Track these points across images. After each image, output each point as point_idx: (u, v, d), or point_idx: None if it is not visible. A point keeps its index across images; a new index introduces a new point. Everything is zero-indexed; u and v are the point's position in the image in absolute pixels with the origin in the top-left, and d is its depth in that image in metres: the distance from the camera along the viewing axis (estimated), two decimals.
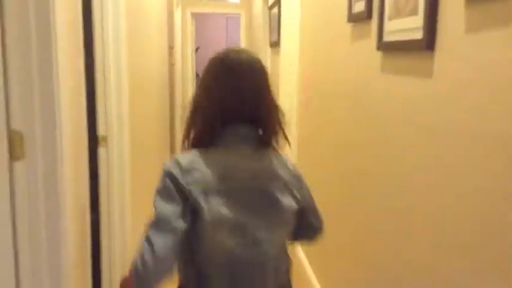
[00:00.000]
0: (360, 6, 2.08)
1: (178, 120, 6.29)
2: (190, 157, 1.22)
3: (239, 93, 1.25)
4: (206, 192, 1.16)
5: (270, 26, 5.25)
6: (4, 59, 1.25)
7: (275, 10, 4.74)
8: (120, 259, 2.51)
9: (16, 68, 1.26)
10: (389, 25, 1.75)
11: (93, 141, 2.32)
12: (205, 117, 1.26)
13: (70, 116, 1.43)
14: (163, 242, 1.10)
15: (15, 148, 1.28)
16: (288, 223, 1.27)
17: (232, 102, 1.25)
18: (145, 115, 3.43)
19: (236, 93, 1.25)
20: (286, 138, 1.33)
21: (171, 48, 5.59)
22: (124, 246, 2.54)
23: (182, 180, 1.16)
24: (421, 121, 1.52)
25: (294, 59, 3.94)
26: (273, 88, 1.32)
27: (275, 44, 4.74)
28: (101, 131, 2.37)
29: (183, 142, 1.30)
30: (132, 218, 2.65)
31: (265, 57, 5.69)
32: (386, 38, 1.78)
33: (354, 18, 2.19)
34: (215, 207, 1.16)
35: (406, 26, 1.59)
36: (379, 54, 1.89)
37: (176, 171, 1.18)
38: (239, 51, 1.32)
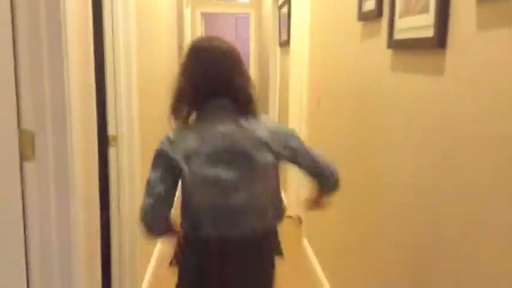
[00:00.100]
0: (370, 5, 2.07)
1: None
2: (177, 132, 1.51)
3: (210, 74, 1.50)
4: (187, 157, 1.45)
5: (279, 25, 5.24)
6: (15, 60, 1.25)
7: (285, 9, 4.73)
8: (129, 257, 2.52)
9: (27, 69, 1.27)
10: (399, 23, 1.73)
11: (104, 141, 2.33)
12: (187, 96, 1.52)
13: (80, 116, 1.43)
14: (148, 203, 1.46)
15: (26, 148, 1.29)
16: (266, 173, 1.52)
17: (205, 81, 1.50)
18: (154, 115, 3.45)
19: (207, 74, 1.50)
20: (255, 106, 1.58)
21: (180, 48, 5.60)
22: (134, 245, 2.55)
23: (169, 151, 1.47)
24: (432, 119, 1.51)
25: (303, 58, 3.93)
26: (244, 68, 1.56)
27: (285, 44, 4.73)
28: (111, 131, 2.38)
29: (169, 118, 1.55)
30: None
31: (275, 56, 5.69)
32: (397, 36, 1.76)
33: (364, 17, 2.18)
34: (194, 167, 1.45)
35: (417, 24, 1.58)
36: (389, 52, 1.87)
37: (165, 146, 1.49)
38: (210, 39, 1.58)
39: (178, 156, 1.46)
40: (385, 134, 1.93)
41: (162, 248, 3.58)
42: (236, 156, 1.47)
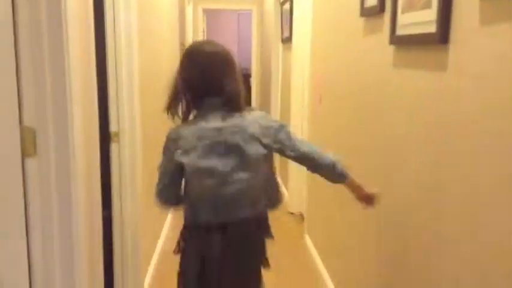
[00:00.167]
0: (372, 0, 2.06)
1: None
2: (177, 129, 1.71)
3: (205, 76, 1.68)
4: (186, 151, 1.65)
5: (281, 21, 5.23)
6: (16, 56, 1.25)
7: (287, 6, 4.71)
8: (132, 254, 2.52)
9: (28, 65, 1.27)
10: (402, 19, 1.73)
11: (105, 137, 2.33)
12: (181, 95, 1.71)
13: (82, 112, 1.43)
14: (157, 189, 1.77)
15: (28, 145, 1.28)
16: (256, 163, 1.68)
17: (201, 82, 1.68)
18: (156, 111, 3.44)
19: (202, 76, 1.68)
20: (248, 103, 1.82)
21: (182, 45, 5.59)
22: (136, 242, 2.55)
23: (171, 147, 1.69)
24: (435, 115, 1.50)
25: (305, 55, 3.92)
26: (236, 69, 1.72)
27: (287, 40, 4.72)
28: (112, 127, 2.38)
29: (166, 113, 1.74)
30: (144, 213, 2.66)
31: (277, 53, 5.68)
32: (399, 31, 1.75)
33: (367, 13, 2.17)
34: (192, 160, 1.64)
35: (420, 20, 1.57)
36: (391, 48, 1.86)
37: (168, 143, 1.71)
38: (203, 43, 1.80)
39: (179, 152, 1.66)
40: (388, 130, 1.92)
41: (164, 246, 3.59)
42: (229, 149, 1.65)
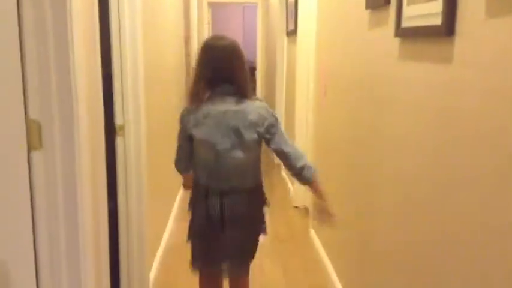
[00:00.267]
0: None
1: None
2: (189, 108, 2.04)
3: (216, 66, 1.99)
4: (195, 125, 1.99)
5: (286, 14, 5.21)
6: (21, 49, 1.25)
7: None
8: (137, 247, 2.54)
9: (33, 58, 1.27)
10: (407, 11, 1.71)
11: (111, 130, 2.34)
12: (199, 82, 2.02)
13: (87, 105, 1.43)
14: (176, 158, 2.16)
15: (33, 138, 1.29)
16: (250, 146, 1.99)
17: (214, 73, 2.00)
18: (161, 104, 3.45)
19: (216, 67, 1.99)
20: (254, 92, 2.16)
21: (187, 38, 5.59)
22: (141, 235, 2.56)
23: (184, 120, 2.05)
24: (441, 107, 1.49)
25: (310, 47, 3.91)
26: (244, 60, 2.03)
27: (292, 33, 4.71)
28: (118, 120, 2.39)
29: (188, 97, 2.06)
30: (149, 206, 2.67)
31: (282, 46, 5.66)
32: (405, 24, 1.74)
33: (372, 5, 2.16)
34: (199, 133, 1.99)
35: (425, 12, 1.56)
36: (397, 40, 1.85)
37: (182, 117, 2.07)
38: (218, 38, 2.07)
39: (190, 125, 2.01)
40: (393, 122, 1.92)
41: (169, 239, 3.61)
42: (230, 130, 1.96)
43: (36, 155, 1.30)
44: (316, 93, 3.68)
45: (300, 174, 2.00)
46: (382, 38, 2.03)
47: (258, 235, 2.16)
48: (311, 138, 3.94)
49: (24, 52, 1.26)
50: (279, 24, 5.71)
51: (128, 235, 2.49)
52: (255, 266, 3.19)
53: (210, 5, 8.85)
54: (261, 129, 1.97)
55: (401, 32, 1.78)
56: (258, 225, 2.15)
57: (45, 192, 1.31)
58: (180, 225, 3.95)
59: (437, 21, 1.45)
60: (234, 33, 10.45)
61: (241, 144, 1.96)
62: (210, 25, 9.39)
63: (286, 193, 4.86)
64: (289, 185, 4.89)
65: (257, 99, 2.07)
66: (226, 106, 1.97)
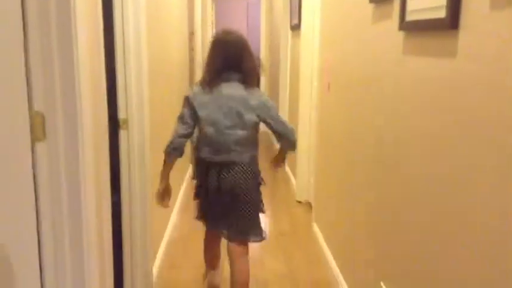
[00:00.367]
0: None
1: None
2: (198, 89, 2.32)
3: (226, 56, 2.28)
4: (201, 105, 2.27)
5: (290, 8, 5.20)
6: (25, 42, 1.26)
7: None
8: (141, 240, 2.55)
9: (37, 50, 1.28)
10: (411, 4, 1.71)
11: (114, 124, 2.34)
12: (209, 70, 2.31)
13: (91, 98, 1.44)
14: (180, 128, 2.32)
15: (37, 129, 1.29)
16: (249, 127, 2.27)
17: (222, 61, 2.28)
18: (165, 98, 3.45)
19: (224, 57, 2.28)
20: (258, 81, 2.38)
21: (191, 34, 5.58)
22: (145, 227, 2.57)
23: (192, 99, 2.30)
24: (445, 102, 1.49)
25: (314, 42, 3.90)
26: (251, 51, 2.32)
27: (296, 27, 4.70)
28: (121, 114, 2.39)
29: (200, 82, 2.35)
30: (153, 199, 2.67)
31: (286, 40, 5.65)
32: (409, 17, 1.74)
33: None
34: (204, 112, 2.27)
35: (429, 5, 1.56)
36: (401, 34, 1.85)
37: (190, 96, 2.32)
38: (228, 32, 2.34)
39: (196, 104, 2.27)
40: (397, 118, 1.91)
41: (172, 233, 3.62)
42: (232, 111, 2.24)
43: (40, 147, 1.30)
44: (319, 88, 3.67)
45: (293, 148, 2.43)
46: (386, 32, 2.02)
47: (257, 211, 2.40)
48: (314, 135, 3.93)
49: (28, 44, 1.26)
50: (283, 18, 5.69)
51: (131, 228, 2.50)
52: (258, 260, 3.21)
53: (214, 0, 8.83)
54: (261, 113, 2.26)
55: (406, 26, 1.77)
56: (255, 201, 2.38)
57: (48, 183, 1.32)
58: (183, 218, 3.96)
59: (442, 14, 1.45)
60: (238, 28, 10.40)
61: (241, 123, 2.25)
62: (214, 20, 9.37)
63: (289, 188, 4.86)
64: (293, 179, 4.89)
65: (259, 90, 2.35)
66: (232, 91, 2.25)
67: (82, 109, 1.35)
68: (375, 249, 2.22)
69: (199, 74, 6.91)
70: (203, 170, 2.34)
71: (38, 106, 1.29)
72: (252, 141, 2.33)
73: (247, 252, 2.40)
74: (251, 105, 2.24)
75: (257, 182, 2.39)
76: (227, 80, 2.27)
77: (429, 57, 1.60)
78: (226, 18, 10.88)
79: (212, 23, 8.88)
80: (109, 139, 1.76)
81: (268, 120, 2.29)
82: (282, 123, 2.32)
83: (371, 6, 2.25)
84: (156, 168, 2.49)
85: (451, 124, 1.44)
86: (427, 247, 1.62)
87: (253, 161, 2.36)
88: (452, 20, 1.40)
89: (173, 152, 2.32)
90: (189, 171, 5.07)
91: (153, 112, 2.77)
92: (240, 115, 2.24)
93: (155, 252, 3.02)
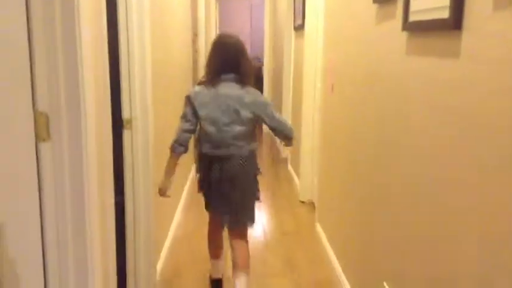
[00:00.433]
0: None
1: None
2: (198, 89, 2.45)
3: (225, 59, 2.44)
4: (202, 104, 2.40)
5: (294, 9, 5.20)
6: (30, 42, 1.27)
7: None
8: (144, 240, 2.55)
9: (41, 51, 1.28)
10: (415, 5, 1.71)
11: (118, 124, 2.35)
12: (209, 70, 2.47)
13: (94, 98, 1.45)
14: (184, 125, 2.44)
15: (41, 129, 1.30)
16: (246, 123, 2.41)
17: (221, 63, 2.44)
18: (169, 99, 3.46)
19: (223, 59, 2.44)
20: (256, 82, 2.54)
21: (195, 35, 5.59)
22: (148, 226, 2.58)
23: (193, 99, 2.42)
24: (448, 102, 1.49)
25: (318, 42, 3.90)
26: (247, 54, 2.50)
27: (299, 27, 4.70)
28: (125, 114, 2.40)
29: (200, 82, 2.52)
30: (156, 200, 2.68)
31: (290, 40, 5.65)
32: (412, 18, 1.74)
33: None
34: (205, 111, 2.40)
35: (433, 5, 1.55)
36: (404, 34, 1.85)
37: (191, 96, 2.44)
38: (227, 36, 2.53)
39: (197, 104, 2.40)
40: (400, 119, 1.91)
41: (176, 232, 3.62)
42: (229, 109, 2.39)
43: (44, 147, 1.31)
44: (323, 89, 3.67)
45: (290, 143, 2.57)
46: (390, 33, 2.02)
47: (254, 199, 2.57)
48: (318, 135, 3.93)
49: (32, 45, 1.27)
50: (287, 19, 5.69)
51: (134, 227, 2.50)
52: (260, 259, 3.21)
53: (218, 1, 8.84)
54: (257, 110, 2.41)
55: (409, 26, 1.77)
56: (253, 190, 2.55)
57: (52, 183, 1.33)
58: (187, 216, 3.97)
59: (445, 14, 1.45)
60: (242, 29, 10.44)
61: (239, 120, 2.40)
62: (218, 21, 9.38)
63: (293, 188, 4.86)
64: (296, 179, 4.89)
65: (254, 90, 2.48)
66: (229, 90, 2.40)
67: (86, 109, 1.36)
68: (377, 249, 2.22)
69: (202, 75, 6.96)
70: (206, 164, 2.49)
71: (42, 106, 1.30)
72: (250, 136, 2.48)
73: (246, 240, 2.60)
74: (245, 102, 2.39)
75: (254, 172, 2.54)
76: (225, 80, 2.41)
77: (432, 57, 1.60)
78: (229, 19, 10.90)
79: (216, 25, 8.89)
80: (113, 139, 1.77)
81: (263, 117, 2.44)
82: (278, 120, 2.46)
83: (375, 6, 2.25)
84: (160, 168, 2.50)
85: (454, 124, 1.44)
86: (431, 247, 1.62)
87: (252, 154, 2.51)
88: (455, 21, 1.40)
89: (179, 147, 2.44)
90: (193, 170, 5.08)
91: (157, 112, 2.78)
92: (237, 112, 2.39)
93: (159, 251, 3.03)
